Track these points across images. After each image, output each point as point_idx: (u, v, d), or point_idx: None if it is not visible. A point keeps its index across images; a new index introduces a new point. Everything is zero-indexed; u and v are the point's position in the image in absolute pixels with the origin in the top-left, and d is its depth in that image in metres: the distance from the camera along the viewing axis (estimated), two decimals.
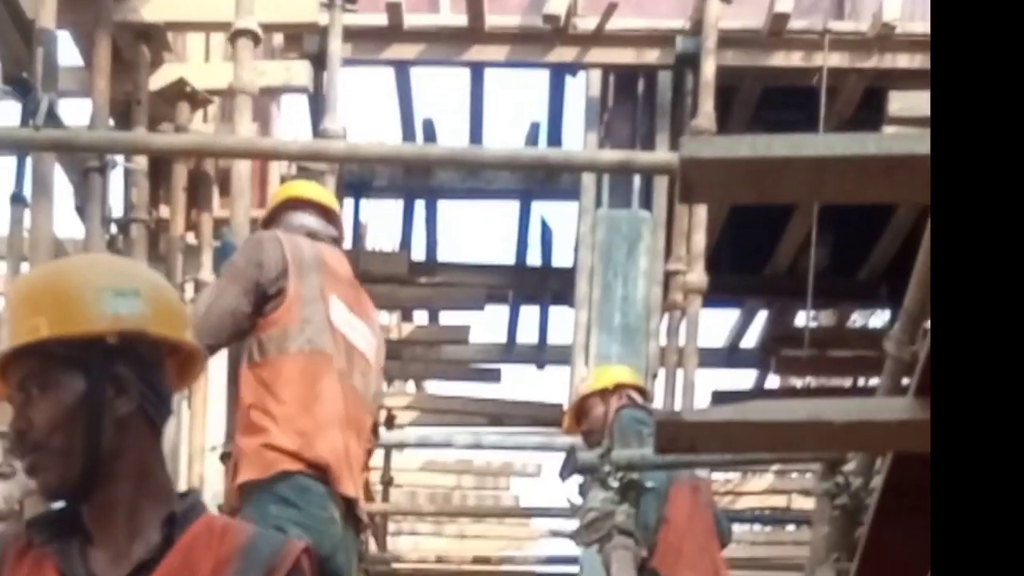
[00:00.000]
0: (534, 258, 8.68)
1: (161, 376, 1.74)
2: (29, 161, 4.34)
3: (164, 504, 1.72)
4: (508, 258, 8.76)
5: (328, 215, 3.81)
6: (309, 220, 3.75)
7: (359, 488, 3.69)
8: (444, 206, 8.62)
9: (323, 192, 3.96)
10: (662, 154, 6.11)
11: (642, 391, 5.17)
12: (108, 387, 1.68)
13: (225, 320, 3.52)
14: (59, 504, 1.77)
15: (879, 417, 1.76)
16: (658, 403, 6.63)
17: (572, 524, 8.82)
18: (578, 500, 4.84)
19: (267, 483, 3.47)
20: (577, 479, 4.73)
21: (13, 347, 1.67)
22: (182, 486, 1.84)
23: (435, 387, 10.22)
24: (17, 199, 4.55)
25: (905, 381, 2.80)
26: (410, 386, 10.41)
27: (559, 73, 7.34)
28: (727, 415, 1.80)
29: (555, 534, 10.69)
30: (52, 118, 4.07)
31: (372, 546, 8.60)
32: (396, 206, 8.63)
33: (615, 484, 4.13)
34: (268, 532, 1.80)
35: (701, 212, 5.86)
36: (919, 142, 1.46)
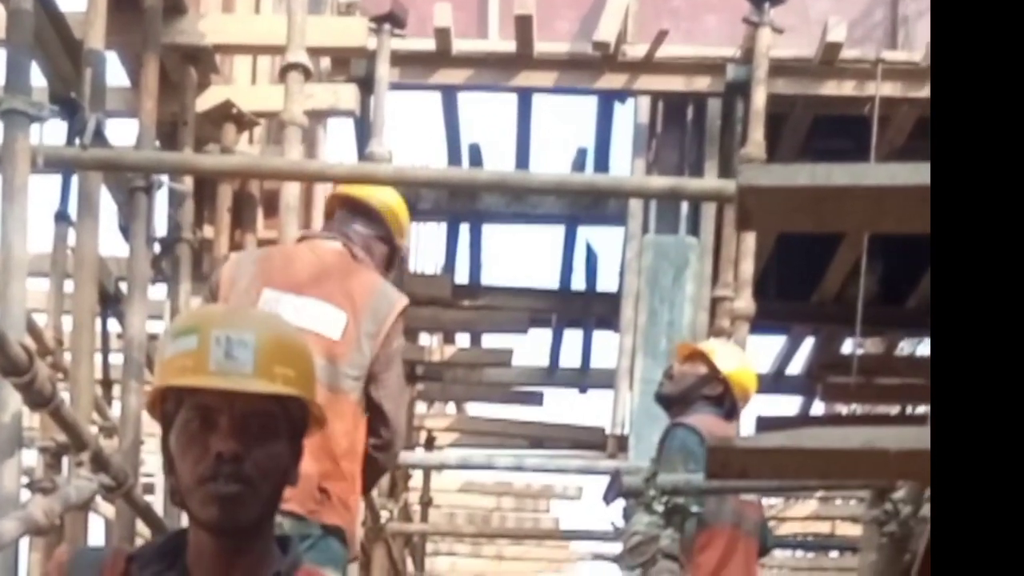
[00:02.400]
0: (578, 283, 8.67)
1: None
2: (74, 180, 4.35)
3: (271, 556, 1.81)
4: (552, 282, 8.75)
5: (370, 213, 3.78)
6: (348, 219, 3.76)
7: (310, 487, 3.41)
8: (489, 230, 8.63)
9: (370, 191, 3.86)
10: (712, 181, 6.08)
11: (733, 408, 4.99)
12: (295, 455, 1.82)
13: None
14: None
15: None
16: None
17: (614, 547, 8.80)
18: (622, 523, 4.79)
19: None
20: (621, 502, 4.68)
21: (271, 391, 1.76)
22: None
23: (476, 409, 10.21)
24: (62, 217, 4.56)
25: None
26: (451, 408, 10.41)
27: (607, 99, 7.33)
28: (779, 442, 1.77)
29: (598, 557, 10.66)
30: (99, 138, 4.08)
31: (410, 566, 8.59)
32: (440, 229, 8.64)
33: (660, 508, 4.09)
34: None
35: (749, 239, 5.83)
36: None
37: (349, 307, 3.57)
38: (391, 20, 5.89)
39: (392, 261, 3.84)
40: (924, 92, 6.56)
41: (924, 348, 9.88)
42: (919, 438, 1.72)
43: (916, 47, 6.69)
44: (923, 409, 9.03)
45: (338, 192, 3.92)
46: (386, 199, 3.86)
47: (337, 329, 3.53)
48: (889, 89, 6.55)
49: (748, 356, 5.29)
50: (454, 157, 7.84)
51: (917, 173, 1.49)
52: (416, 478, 8.64)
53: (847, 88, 6.62)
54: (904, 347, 9.96)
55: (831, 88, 6.64)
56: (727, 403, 4.91)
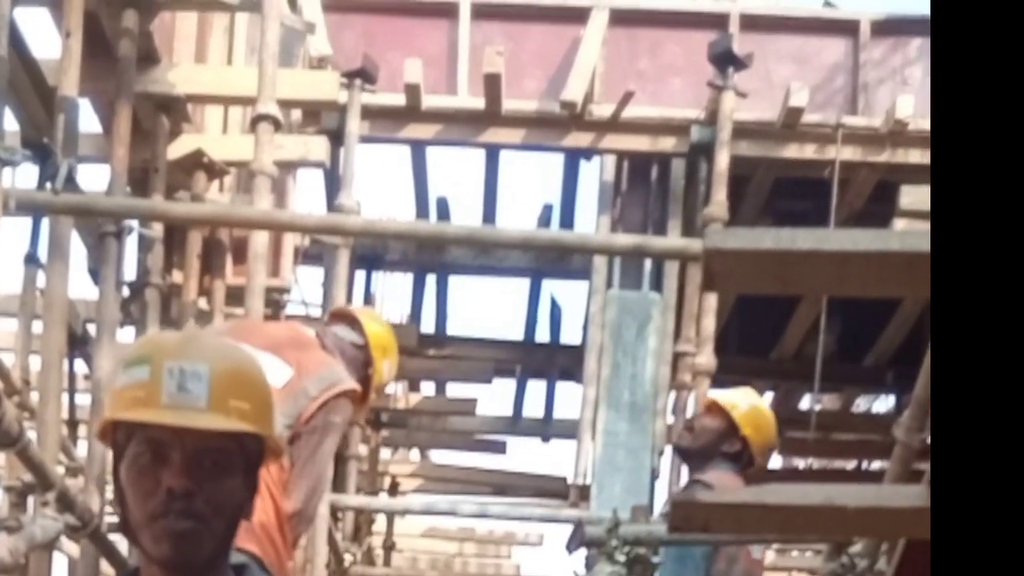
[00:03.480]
0: (542, 335, 8.72)
1: None
2: (45, 223, 4.38)
3: None
4: (516, 334, 8.80)
5: (354, 323, 4.03)
6: (333, 323, 4.05)
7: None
8: (455, 281, 8.69)
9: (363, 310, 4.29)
10: (676, 240, 6.17)
11: (750, 462, 4.87)
12: (250, 489, 1.77)
13: None
14: None
15: (893, 503, 1.78)
16: (664, 480, 6.66)
17: None
18: (584, 573, 4.81)
19: None
20: (584, 551, 4.70)
21: (225, 428, 1.70)
22: None
23: (440, 456, 10.22)
24: (32, 260, 4.58)
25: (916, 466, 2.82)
26: (415, 454, 10.42)
27: (574, 157, 7.41)
28: (742, 497, 1.83)
29: None
30: (71, 183, 4.11)
31: None
32: (407, 280, 8.68)
33: (622, 559, 4.12)
34: None
35: (711, 297, 5.90)
36: None
37: (297, 368, 3.69)
38: (362, 76, 5.96)
39: (363, 372, 3.96)
40: (883, 157, 6.69)
41: (880, 405, 9.98)
42: (877, 496, 1.79)
43: (876, 113, 6.81)
44: (878, 464, 9.12)
45: (335, 307, 4.29)
46: (373, 316, 4.17)
47: (280, 380, 3.61)
48: (849, 153, 6.66)
49: (767, 409, 5.11)
50: (422, 210, 7.89)
51: (879, 239, 1.56)
52: (380, 522, 8.64)
53: (808, 152, 6.73)
54: (860, 404, 10.05)
55: (793, 151, 6.75)
56: (744, 458, 4.86)
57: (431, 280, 8.56)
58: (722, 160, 5.95)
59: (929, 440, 2.69)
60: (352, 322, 4.01)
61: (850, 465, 9.79)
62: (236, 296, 5.90)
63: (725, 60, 6.06)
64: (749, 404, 4.97)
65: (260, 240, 4.93)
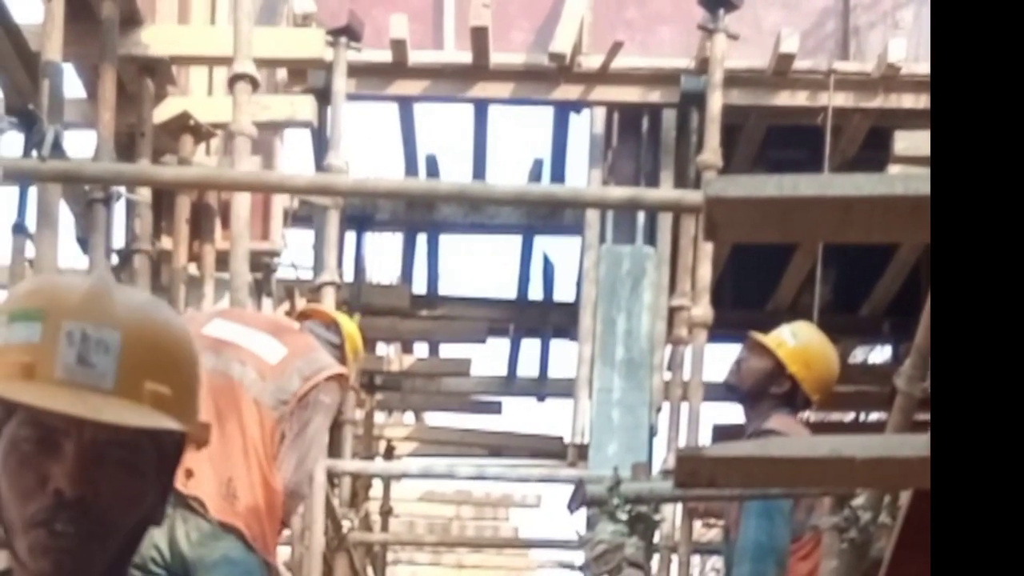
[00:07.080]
0: (536, 292, 8.68)
1: None
2: (32, 191, 4.34)
3: None
4: (509, 292, 8.76)
5: (331, 326, 4.18)
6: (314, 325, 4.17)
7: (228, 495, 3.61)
8: (446, 240, 8.64)
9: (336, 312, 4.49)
10: (671, 192, 6.13)
11: (806, 401, 4.58)
12: (162, 494, 1.37)
13: None
14: None
15: (901, 454, 1.76)
16: (662, 437, 6.64)
17: (574, 555, 8.77)
18: (586, 532, 4.79)
19: None
20: (585, 511, 4.68)
21: (136, 424, 1.27)
22: None
23: (435, 419, 10.20)
24: (19, 229, 4.54)
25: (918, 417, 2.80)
26: (409, 417, 10.41)
27: (563, 110, 7.36)
28: (748, 451, 1.81)
29: (564, 566, 10.73)
30: (57, 149, 4.07)
31: (370, 575, 8.60)
32: (397, 240, 8.64)
33: (624, 517, 4.10)
34: None
35: (706, 246, 5.86)
36: None
37: (291, 348, 3.85)
38: (347, 33, 5.88)
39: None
40: (875, 102, 6.64)
41: (876, 356, 9.97)
42: (884, 447, 1.76)
43: (868, 58, 6.76)
44: (876, 416, 9.12)
45: (306, 307, 4.53)
46: (346, 319, 4.34)
47: (275, 357, 3.78)
48: (841, 99, 6.61)
49: (821, 342, 4.73)
50: (411, 168, 7.84)
51: (882, 183, 1.53)
52: (376, 487, 8.64)
53: (800, 98, 6.68)
54: (857, 354, 10.04)
55: (784, 99, 6.70)
56: (799, 398, 4.58)
57: (422, 240, 8.52)
58: (714, 104, 5.87)
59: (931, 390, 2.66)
60: (328, 322, 4.17)
61: (848, 417, 9.78)
62: (226, 261, 5.85)
63: (715, 1, 5.98)
64: (798, 339, 4.64)
65: (243, 203, 4.86)
